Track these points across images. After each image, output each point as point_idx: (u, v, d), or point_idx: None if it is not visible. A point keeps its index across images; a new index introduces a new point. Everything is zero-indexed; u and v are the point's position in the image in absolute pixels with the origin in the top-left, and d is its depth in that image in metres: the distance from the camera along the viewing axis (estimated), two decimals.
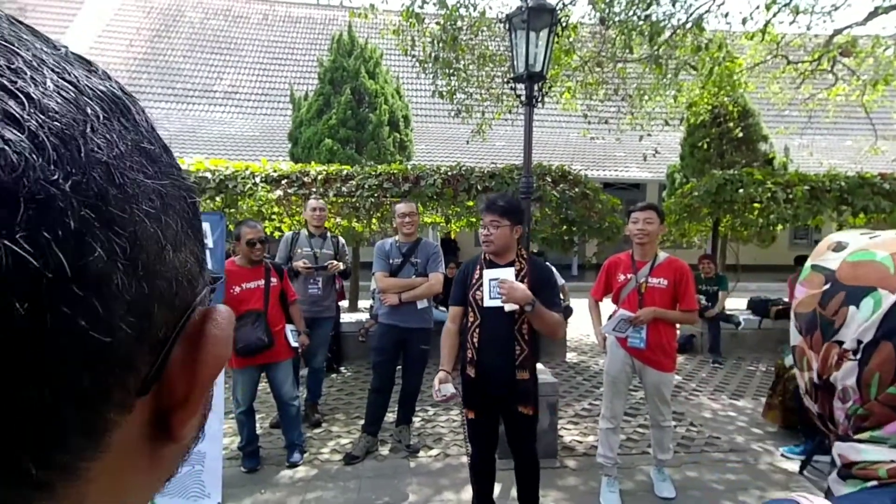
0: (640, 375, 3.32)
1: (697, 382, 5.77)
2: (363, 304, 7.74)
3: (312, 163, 7.05)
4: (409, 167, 6.62)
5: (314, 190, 6.02)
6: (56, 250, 0.19)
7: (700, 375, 6.05)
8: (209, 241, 3.05)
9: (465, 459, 2.88)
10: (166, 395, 0.26)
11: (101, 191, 0.21)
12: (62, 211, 0.19)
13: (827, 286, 0.58)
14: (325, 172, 6.24)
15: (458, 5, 6.24)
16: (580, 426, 4.47)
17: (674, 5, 6.16)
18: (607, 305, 3.51)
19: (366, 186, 6.12)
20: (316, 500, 3.31)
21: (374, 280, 4.15)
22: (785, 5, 6.32)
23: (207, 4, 21.15)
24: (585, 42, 7.74)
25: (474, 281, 2.71)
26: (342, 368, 5.96)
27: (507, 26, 4.39)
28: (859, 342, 0.53)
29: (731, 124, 9.71)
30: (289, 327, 3.71)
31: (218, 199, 5.89)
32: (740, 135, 9.70)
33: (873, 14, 6.64)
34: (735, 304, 7.73)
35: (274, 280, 3.62)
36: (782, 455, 3.94)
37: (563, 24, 5.43)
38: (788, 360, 4.29)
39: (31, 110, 0.19)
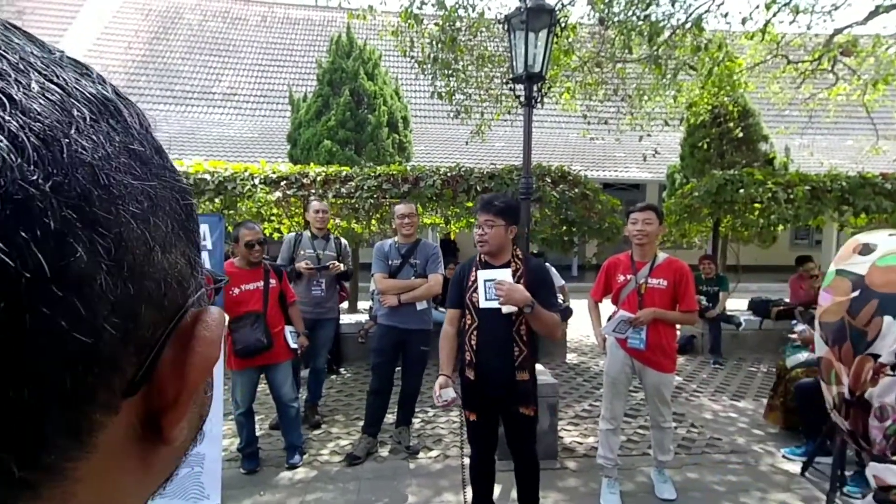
0: (640, 376, 3.32)
1: (698, 383, 5.77)
2: (362, 305, 7.74)
3: (311, 164, 7.04)
4: (408, 168, 6.62)
5: (313, 191, 6.02)
6: (35, 250, 0.19)
7: (701, 376, 6.05)
8: (208, 243, 3.05)
9: (465, 461, 2.86)
10: (156, 396, 0.26)
11: (85, 191, 0.21)
12: (42, 211, 0.19)
13: (856, 293, 0.53)
14: (324, 174, 6.24)
15: (457, 6, 6.24)
16: (580, 427, 4.47)
17: (673, 5, 6.17)
18: (607, 306, 3.51)
19: (365, 187, 6.13)
20: (315, 501, 3.30)
21: (374, 281, 4.15)
22: (785, 5, 6.32)
23: (206, 6, 21.17)
24: (584, 42, 7.75)
25: (471, 283, 2.69)
26: (341, 370, 5.96)
27: (505, 27, 4.39)
28: None
29: (731, 124, 9.70)
30: (288, 328, 3.70)
31: (217, 200, 5.88)
32: (740, 135, 9.68)
33: (874, 13, 6.64)
34: (736, 304, 7.72)
35: (273, 281, 3.62)
36: (784, 456, 3.93)
37: (562, 25, 5.43)
38: (790, 361, 4.28)
39: (13, 111, 0.20)
